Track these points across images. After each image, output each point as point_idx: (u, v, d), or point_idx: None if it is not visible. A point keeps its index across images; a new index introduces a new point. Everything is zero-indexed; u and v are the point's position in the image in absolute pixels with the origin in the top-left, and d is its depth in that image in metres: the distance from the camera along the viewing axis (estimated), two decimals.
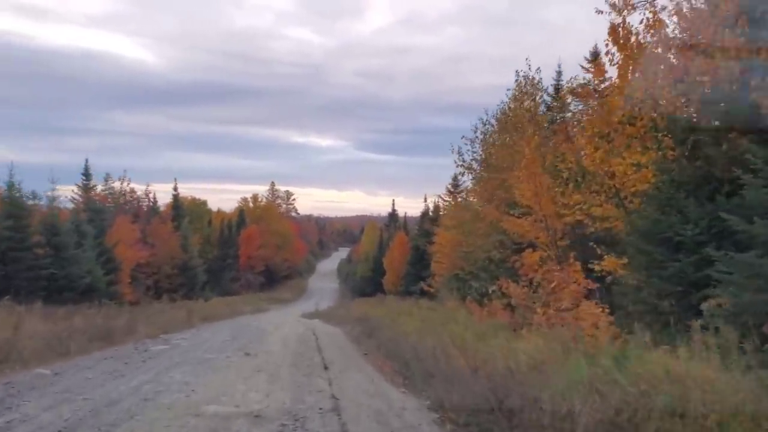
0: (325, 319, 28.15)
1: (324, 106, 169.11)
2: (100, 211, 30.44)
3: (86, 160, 36.95)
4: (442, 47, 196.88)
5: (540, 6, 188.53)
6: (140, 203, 44.43)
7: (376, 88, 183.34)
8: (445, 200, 30.69)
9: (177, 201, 46.70)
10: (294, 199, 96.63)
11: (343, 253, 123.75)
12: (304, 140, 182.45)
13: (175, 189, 47.11)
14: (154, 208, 43.01)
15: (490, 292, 14.99)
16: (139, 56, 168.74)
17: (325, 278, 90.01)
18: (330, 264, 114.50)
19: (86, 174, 35.86)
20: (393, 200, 76.46)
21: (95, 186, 37.33)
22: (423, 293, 51.30)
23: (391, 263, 58.73)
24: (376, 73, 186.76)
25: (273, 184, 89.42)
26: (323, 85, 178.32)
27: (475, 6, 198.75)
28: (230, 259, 59.28)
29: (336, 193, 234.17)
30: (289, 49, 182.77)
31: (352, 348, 13.82)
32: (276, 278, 68.76)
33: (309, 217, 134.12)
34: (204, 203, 64.03)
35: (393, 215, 74.64)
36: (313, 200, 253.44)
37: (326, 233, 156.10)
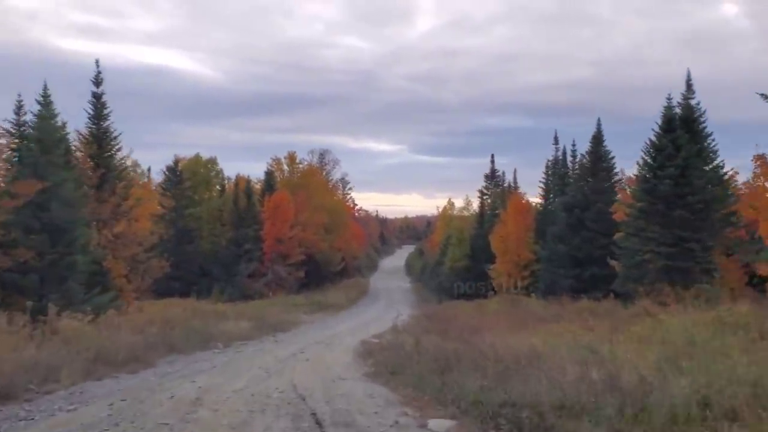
0: None
1: (378, 111, 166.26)
2: None
3: None
4: (491, 47, 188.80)
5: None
6: None
7: (428, 91, 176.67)
8: None
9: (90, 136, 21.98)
10: (351, 188, 75.18)
11: (407, 250, 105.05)
12: (359, 146, 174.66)
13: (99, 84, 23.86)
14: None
15: None
16: (197, 70, 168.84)
17: (392, 277, 69.83)
18: (395, 261, 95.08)
19: None
20: (492, 155, 50.62)
21: None
22: (582, 289, 28.27)
23: (503, 242, 35.91)
24: (427, 76, 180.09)
25: (321, 154, 67.94)
26: (376, 90, 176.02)
27: (523, 4, 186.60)
28: (249, 243, 38.03)
29: (394, 197, 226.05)
30: (340, 57, 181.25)
31: None
32: (323, 274, 46.68)
33: (367, 213, 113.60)
34: (213, 161, 42.27)
35: (493, 175, 50.34)
36: (370, 204, 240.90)
37: (388, 229, 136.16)
